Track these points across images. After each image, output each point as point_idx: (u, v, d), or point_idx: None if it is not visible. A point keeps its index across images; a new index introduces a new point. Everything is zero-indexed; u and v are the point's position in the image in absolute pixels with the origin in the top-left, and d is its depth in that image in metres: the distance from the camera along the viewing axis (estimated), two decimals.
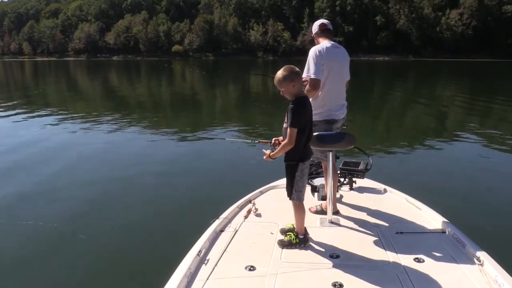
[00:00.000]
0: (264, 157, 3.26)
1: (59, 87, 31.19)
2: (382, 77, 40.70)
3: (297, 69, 3.16)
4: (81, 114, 14.77)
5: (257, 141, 3.79)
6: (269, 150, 3.26)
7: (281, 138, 3.39)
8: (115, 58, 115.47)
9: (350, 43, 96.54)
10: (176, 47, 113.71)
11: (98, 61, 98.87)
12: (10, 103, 18.59)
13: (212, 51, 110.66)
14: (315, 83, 3.64)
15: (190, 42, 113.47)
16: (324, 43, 3.76)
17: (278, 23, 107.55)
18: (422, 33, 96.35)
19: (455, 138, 10.68)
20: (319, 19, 4.15)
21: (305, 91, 3.68)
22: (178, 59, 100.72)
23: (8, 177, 7.25)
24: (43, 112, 15.33)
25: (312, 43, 3.92)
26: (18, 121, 13.38)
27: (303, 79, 4.01)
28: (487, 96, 20.77)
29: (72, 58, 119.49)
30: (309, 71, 3.65)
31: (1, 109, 16.24)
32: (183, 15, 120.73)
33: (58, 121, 13.37)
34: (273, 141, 3.39)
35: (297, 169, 3.17)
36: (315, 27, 3.92)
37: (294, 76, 3.12)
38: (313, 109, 3.75)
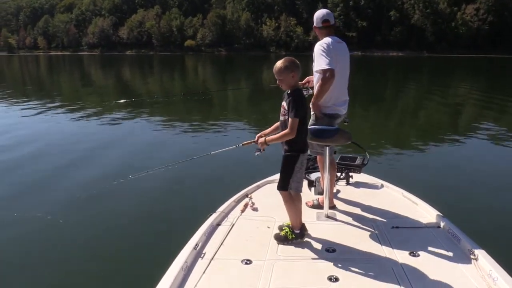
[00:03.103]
0: (260, 142, 3.26)
1: (75, 81, 31.45)
2: (393, 72, 40.29)
3: (298, 61, 3.17)
4: (84, 110, 14.96)
5: (240, 145, 3.74)
6: (263, 138, 3.26)
7: (264, 132, 3.42)
8: (128, 52, 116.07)
9: (363, 38, 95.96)
10: (189, 42, 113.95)
11: (112, 55, 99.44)
12: (28, 97, 18.80)
13: (225, 46, 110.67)
14: (331, 73, 3.57)
15: (202, 37, 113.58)
16: (329, 38, 3.72)
17: (291, 18, 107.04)
18: (437, 29, 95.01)
19: (455, 135, 10.62)
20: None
21: (319, 83, 3.64)
22: (191, 54, 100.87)
23: (15, 170, 7.35)
24: (57, 106, 15.56)
25: (317, 33, 3.87)
26: (34, 114, 13.61)
27: (308, 79, 4.02)
28: (498, 94, 20.48)
29: (86, 53, 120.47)
30: (323, 63, 3.59)
31: (21, 103, 16.49)
32: (196, 10, 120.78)
33: (67, 114, 13.60)
34: (256, 138, 3.39)
35: (297, 160, 3.17)
36: (320, 18, 3.81)
37: (294, 67, 3.14)
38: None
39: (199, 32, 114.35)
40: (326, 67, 3.57)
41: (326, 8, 4.22)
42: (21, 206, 5.66)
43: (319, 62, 3.63)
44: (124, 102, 14.05)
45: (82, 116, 13.20)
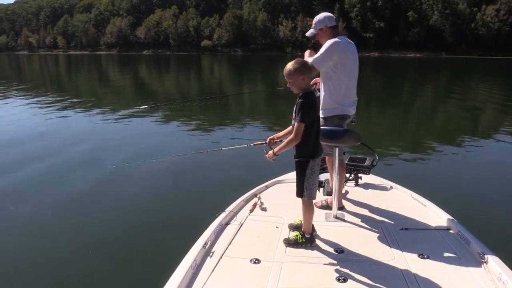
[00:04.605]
0: (268, 156, 3.21)
1: (95, 81, 31.90)
2: (410, 74, 39.77)
3: (309, 63, 3.12)
4: (99, 109, 15.13)
5: (252, 144, 3.76)
6: (271, 150, 3.22)
7: (277, 135, 3.41)
8: (145, 52, 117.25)
9: (380, 39, 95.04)
10: (205, 42, 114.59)
11: (129, 55, 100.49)
12: (47, 96, 19.10)
13: (241, 46, 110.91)
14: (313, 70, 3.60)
15: (219, 37, 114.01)
16: (340, 38, 3.70)
17: (308, 19, 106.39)
18: (456, 30, 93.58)
19: (468, 138, 10.37)
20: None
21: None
22: (207, 54, 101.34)
23: (21, 166, 7.43)
24: (75, 104, 15.83)
25: (319, 37, 3.84)
26: (53, 112, 13.88)
27: (315, 81, 4.01)
28: None
29: (104, 52, 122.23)
30: (318, 59, 3.61)
31: (41, 101, 16.77)
32: (212, 10, 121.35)
33: (83, 112, 13.83)
34: (268, 140, 3.40)
35: (307, 166, 3.13)
36: (324, 21, 3.78)
37: (304, 70, 3.07)
38: (327, 104, 3.75)
39: (216, 32, 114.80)
40: (314, 64, 3.59)
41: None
42: (36, 199, 5.79)
43: (317, 55, 3.63)
44: (140, 108, 14.20)
45: (97, 114, 13.40)
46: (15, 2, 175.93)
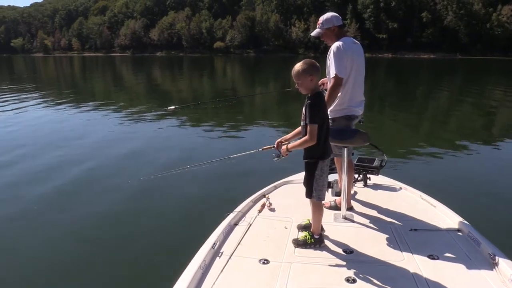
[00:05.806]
0: (282, 150, 3.23)
1: (110, 83, 32.25)
2: (423, 75, 39.29)
3: (317, 64, 3.10)
4: (113, 109, 15.27)
5: (261, 149, 3.76)
6: (285, 145, 3.24)
7: (284, 137, 3.41)
8: (158, 54, 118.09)
9: (394, 40, 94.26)
10: (218, 44, 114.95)
11: (143, 57, 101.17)
12: (64, 99, 19.42)
13: (253, 48, 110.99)
14: (340, 81, 3.60)
15: (231, 38, 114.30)
16: (345, 39, 3.71)
17: None
18: (471, 30, 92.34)
19: (479, 140, 10.20)
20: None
21: (328, 90, 3.65)
22: (220, 55, 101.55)
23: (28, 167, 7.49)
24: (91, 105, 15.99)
25: (326, 37, 3.85)
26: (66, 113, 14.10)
27: (323, 81, 4.01)
28: None
29: (118, 54, 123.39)
30: (335, 69, 3.59)
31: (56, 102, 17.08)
32: (225, 12, 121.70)
33: (93, 114, 14.00)
34: (276, 144, 3.40)
35: (316, 167, 3.13)
36: (331, 20, 3.79)
37: (313, 70, 3.06)
38: (334, 105, 3.74)
39: (228, 34, 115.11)
40: (334, 74, 3.58)
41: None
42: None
43: (333, 66, 3.62)
44: (150, 109, 14.33)
45: (109, 118, 13.56)
46: (31, 5, 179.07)
